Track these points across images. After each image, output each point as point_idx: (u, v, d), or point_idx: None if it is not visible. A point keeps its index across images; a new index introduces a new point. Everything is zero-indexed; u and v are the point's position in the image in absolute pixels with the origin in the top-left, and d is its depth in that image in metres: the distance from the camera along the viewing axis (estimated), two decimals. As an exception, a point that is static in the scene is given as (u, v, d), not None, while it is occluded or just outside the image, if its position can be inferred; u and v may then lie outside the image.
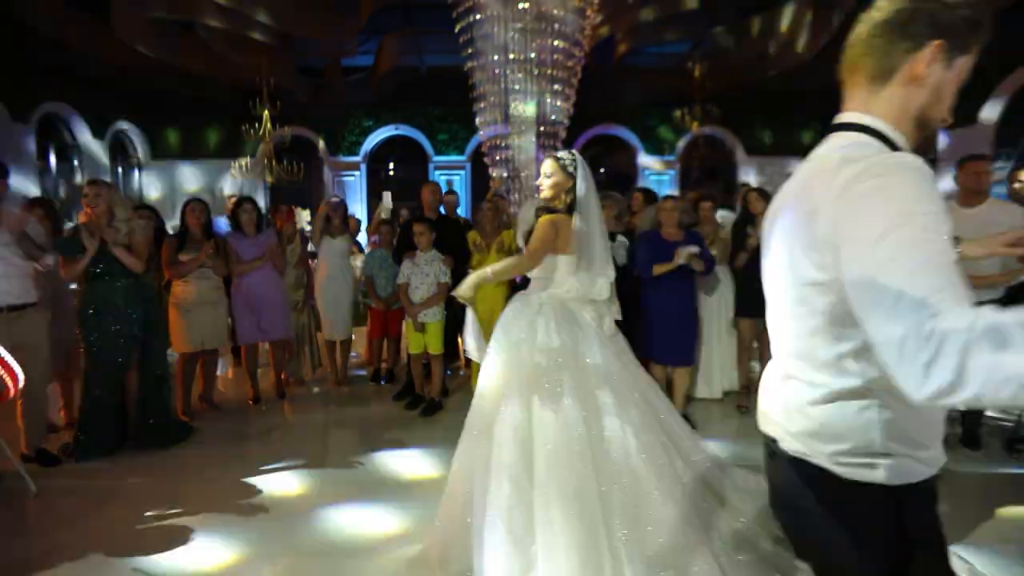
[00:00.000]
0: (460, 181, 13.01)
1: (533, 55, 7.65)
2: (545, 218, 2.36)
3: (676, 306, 4.01)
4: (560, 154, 2.48)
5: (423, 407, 4.40)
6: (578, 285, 2.39)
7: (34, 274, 3.42)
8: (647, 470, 2.09)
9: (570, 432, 2.07)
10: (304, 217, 7.88)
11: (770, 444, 1.13)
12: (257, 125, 10.03)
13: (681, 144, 12.98)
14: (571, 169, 2.43)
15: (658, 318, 4.05)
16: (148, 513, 2.90)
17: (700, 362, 4.56)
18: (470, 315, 2.34)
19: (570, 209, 2.41)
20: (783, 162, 12.13)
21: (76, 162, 11.00)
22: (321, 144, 12.86)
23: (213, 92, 10.93)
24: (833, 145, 1.08)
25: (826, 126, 1.17)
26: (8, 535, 2.75)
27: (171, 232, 4.56)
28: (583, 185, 2.41)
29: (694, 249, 3.81)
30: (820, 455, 1.01)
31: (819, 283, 0.97)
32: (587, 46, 8.10)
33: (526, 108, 8.16)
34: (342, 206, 5.12)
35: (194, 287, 4.14)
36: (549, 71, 7.85)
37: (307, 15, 8.93)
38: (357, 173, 13.19)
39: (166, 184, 12.55)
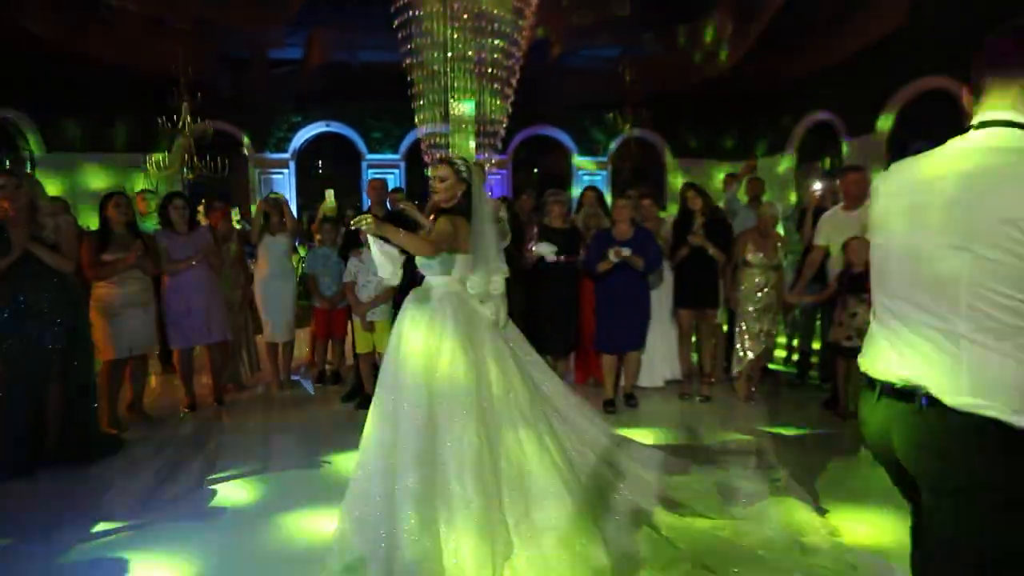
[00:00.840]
0: (394, 180, 12.77)
1: (471, 54, 7.65)
2: (445, 217, 2.53)
3: (625, 296, 4.20)
4: (455, 160, 2.67)
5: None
6: (478, 281, 2.62)
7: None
8: (533, 448, 2.38)
9: (467, 415, 2.30)
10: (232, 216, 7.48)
11: (909, 395, 1.26)
12: (176, 118, 9.38)
13: (613, 145, 13.38)
14: (465, 175, 2.60)
15: (607, 310, 4.23)
16: (73, 540, 2.63)
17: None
18: (375, 245, 2.51)
19: (465, 212, 2.57)
20: (707, 164, 12.78)
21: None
22: (246, 140, 12.24)
23: (121, 80, 10.07)
24: (996, 137, 1.23)
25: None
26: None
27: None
28: (476, 190, 2.62)
29: (625, 251, 4.03)
30: (993, 409, 1.15)
31: None
32: (524, 46, 8.19)
33: (465, 107, 8.15)
34: (282, 203, 4.92)
35: (121, 289, 3.83)
36: (489, 70, 7.87)
37: (232, 1, 8.46)
38: (285, 171, 12.65)
39: (65, 181, 11.30)
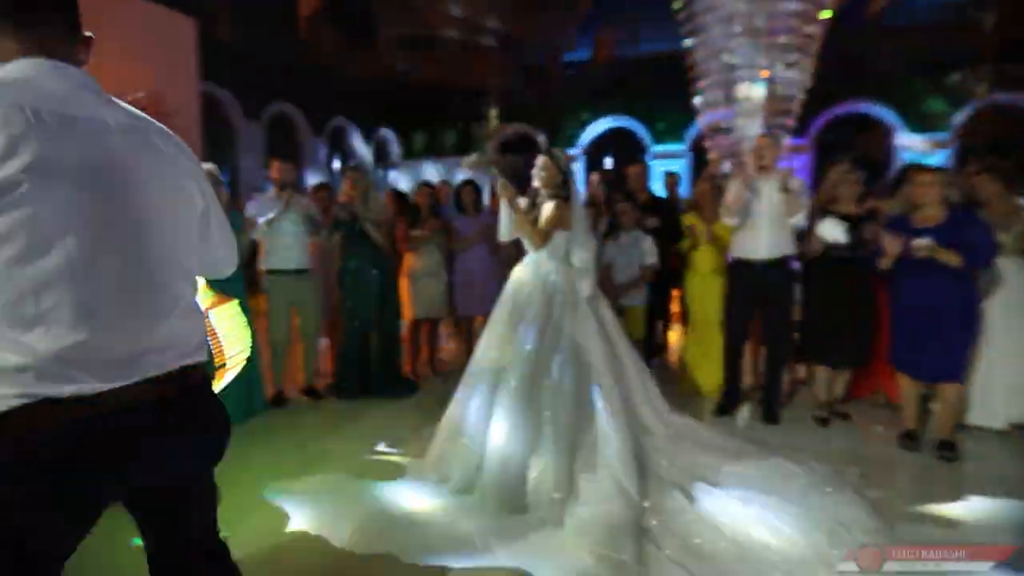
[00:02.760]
0: (681, 170, 12.50)
1: (762, 23, 6.93)
2: (553, 205, 2.96)
3: (935, 305, 3.21)
4: (554, 152, 3.13)
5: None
6: (581, 255, 3.06)
7: (312, 246, 4.25)
8: (601, 395, 2.79)
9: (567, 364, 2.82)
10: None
11: None
12: (485, 123, 10.99)
13: (959, 117, 10.59)
14: (563, 165, 3.05)
15: (907, 322, 3.33)
16: (377, 445, 3.43)
17: (976, 379, 3.53)
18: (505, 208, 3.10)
19: (567, 196, 2.99)
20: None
21: (352, 163, 13.40)
22: (542, 138, 13.56)
23: (451, 97, 12.27)
24: None
25: None
26: (289, 440, 3.54)
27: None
28: (571, 177, 3.07)
29: (924, 242, 3.08)
30: None
31: None
32: (833, 5, 7.06)
33: (754, 88, 7.47)
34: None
35: (421, 260, 4.70)
36: (782, 40, 7.04)
37: (528, 15, 9.43)
38: (575, 165, 13.62)
39: (413, 179, 14.42)
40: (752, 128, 7.54)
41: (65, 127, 1.00)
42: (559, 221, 2.93)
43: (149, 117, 1.19)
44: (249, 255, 4.18)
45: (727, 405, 3.90)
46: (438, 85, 11.36)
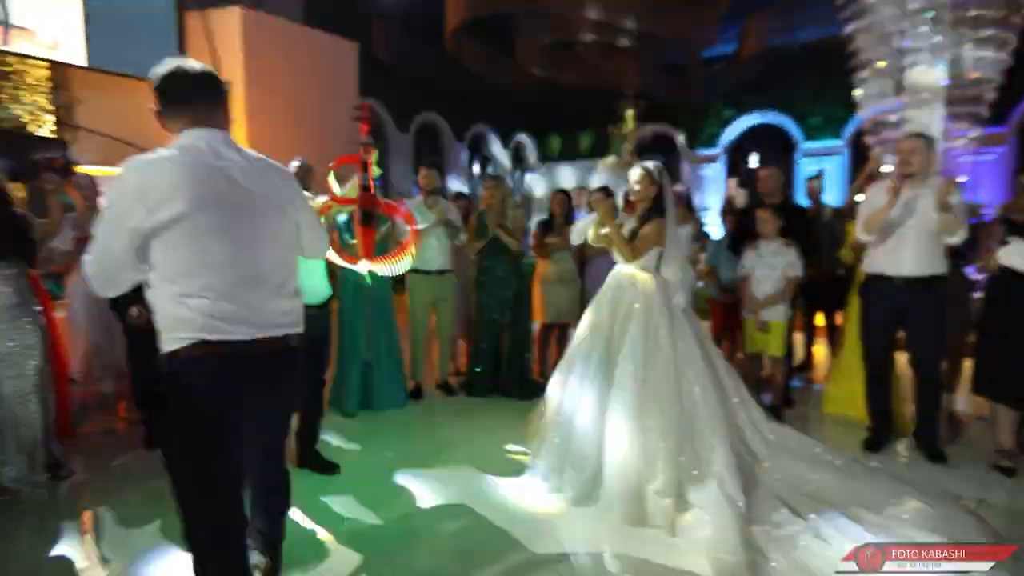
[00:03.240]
0: (835, 169, 11.37)
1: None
2: (651, 223, 3.02)
3: None
4: (648, 165, 3.08)
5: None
6: (674, 270, 3.09)
7: (451, 248, 4.53)
8: (702, 404, 2.84)
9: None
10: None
11: None
12: (620, 125, 10.84)
13: None
14: (657, 178, 3.06)
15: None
16: (502, 443, 3.57)
17: None
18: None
19: (661, 211, 3.02)
20: None
21: (491, 168, 14.00)
22: (680, 139, 13.05)
23: (587, 100, 12.26)
24: None
25: None
26: (421, 431, 3.84)
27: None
28: (667, 191, 3.06)
29: None
30: None
31: None
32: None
33: (930, 72, 6.55)
34: (685, 196, 5.13)
35: (553, 267, 4.79)
36: (971, 14, 6.07)
37: (668, 13, 9.14)
38: (715, 165, 12.92)
39: (549, 183, 14.65)
40: (928, 119, 6.64)
41: (213, 174, 1.59)
42: (655, 239, 3.01)
43: (263, 156, 1.76)
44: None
45: (876, 439, 3.50)
46: (575, 88, 11.43)
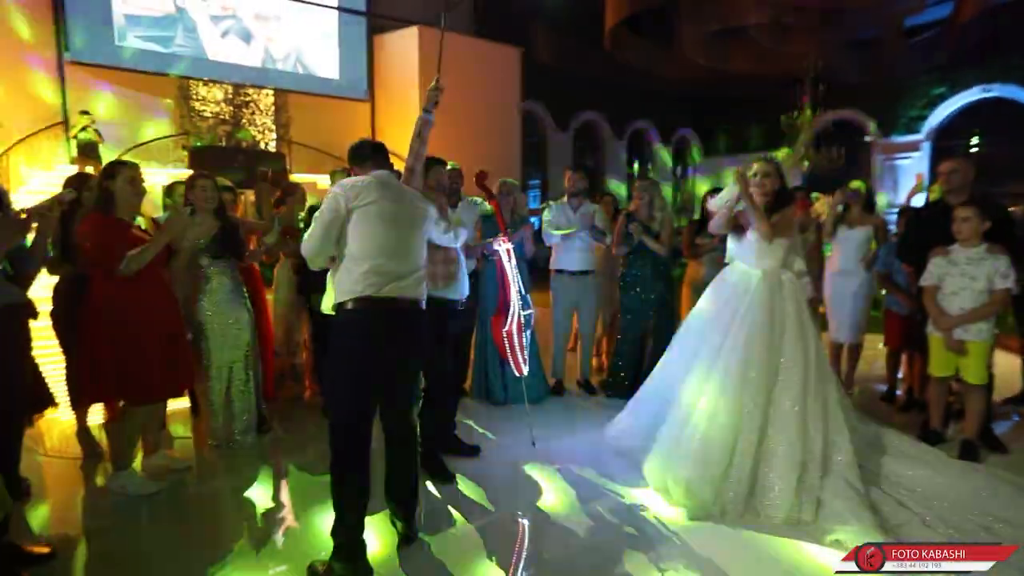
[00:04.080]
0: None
1: None
2: (785, 213, 3.05)
3: None
4: (772, 158, 3.14)
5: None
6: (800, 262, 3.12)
7: (596, 249, 4.52)
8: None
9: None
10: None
11: None
12: (795, 114, 9.82)
13: None
14: (781, 172, 3.10)
15: None
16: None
17: None
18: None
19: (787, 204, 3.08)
20: None
21: (650, 166, 13.63)
22: (872, 126, 11.41)
23: (759, 89, 11.32)
24: None
25: None
26: (560, 426, 3.89)
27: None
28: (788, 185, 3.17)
29: None
30: None
31: None
32: None
33: None
34: (862, 194, 4.51)
35: (705, 268, 4.53)
36: None
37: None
38: (915, 154, 11.08)
39: (713, 180, 13.82)
40: None
41: (386, 191, 2.35)
42: (787, 228, 3.06)
43: (411, 189, 2.54)
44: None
45: None
46: (744, 78, 10.61)
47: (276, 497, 2.94)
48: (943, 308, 3.46)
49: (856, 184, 4.67)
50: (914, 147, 11.09)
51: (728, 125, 13.28)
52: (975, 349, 3.34)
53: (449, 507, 2.79)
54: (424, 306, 2.39)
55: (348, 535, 2.18)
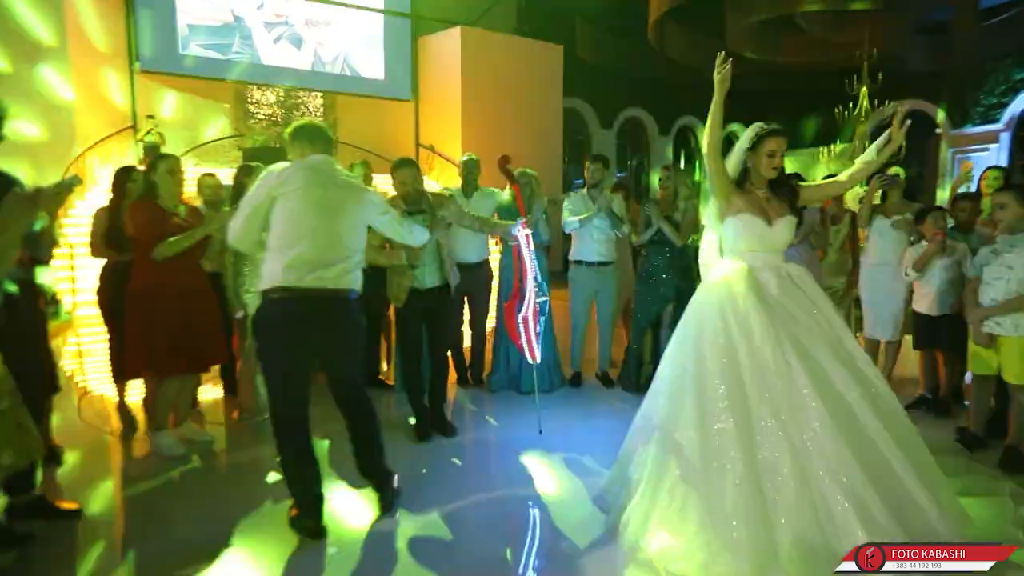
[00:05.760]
0: None
1: None
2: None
3: None
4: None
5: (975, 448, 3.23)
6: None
7: (616, 241, 4.46)
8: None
9: None
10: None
11: None
12: (851, 106, 9.28)
13: None
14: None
15: None
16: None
17: None
18: None
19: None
20: None
21: (697, 162, 13.29)
22: (940, 116, 10.63)
23: (813, 81, 10.78)
24: None
25: None
26: (578, 415, 3.85)
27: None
28: None
29: None
30: None
31: None
32: None
33: None
34: (900, 181, 4.23)
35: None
36: None
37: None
38: (993, 146, 10.23)
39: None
40: None
41: (315, 176, 2.35)
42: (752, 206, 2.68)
43: (351, 177, 2.50)
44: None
45: None
46: (797, 69, 10.13)
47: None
48: (976, 299, 3.22)
49: (895, 170, 4.39)
50: (992, 138, 10.24)
51: (781, 119, 12.66)
52: (1011, 345, 3.08)
53: (435, 487, 2.84)
54: (354, 296, 2.36)
55: (302, 496, 2.37)
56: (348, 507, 2.62)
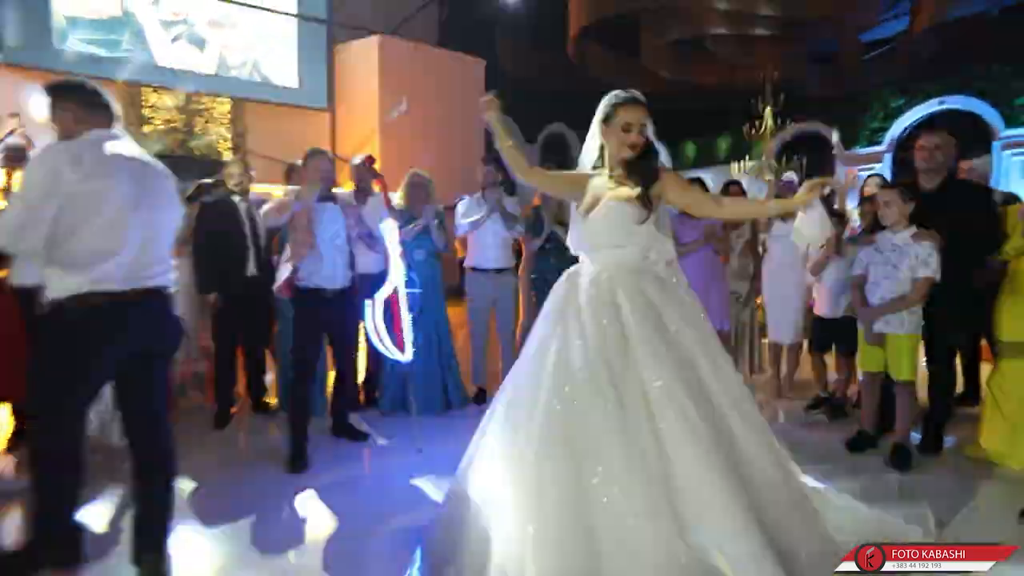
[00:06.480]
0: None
1: None
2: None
3: None
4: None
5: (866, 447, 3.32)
6: None
7: (512, 246, 4.33)
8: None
9: None
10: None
11: None
12: (758, 124, 9.81)
13: None
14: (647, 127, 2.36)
15: None
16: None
17: None
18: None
19: None
20: None
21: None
22: (834, 138, 11.45)
23: (724, 101, 11.33)
24: None
25: None
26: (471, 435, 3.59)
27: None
28: None
29: None
30: None
31: None
32: None
33: None
34: (793, 184, 4.40)
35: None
36: None
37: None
38: (878, 166, 11.11)
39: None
40: None
41: (99, 163, 1.90)
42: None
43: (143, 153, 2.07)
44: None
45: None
46: (708, 89, 10.61)
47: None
48: (863, 298, 3.32)
49: (790, 175, 4.56)
50: (877, 158, 11.14)
51: (696, 136, 13.25)
52: (896, 343, 3.18)
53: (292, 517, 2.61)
54: (167, 294, 2.02)
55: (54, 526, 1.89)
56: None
